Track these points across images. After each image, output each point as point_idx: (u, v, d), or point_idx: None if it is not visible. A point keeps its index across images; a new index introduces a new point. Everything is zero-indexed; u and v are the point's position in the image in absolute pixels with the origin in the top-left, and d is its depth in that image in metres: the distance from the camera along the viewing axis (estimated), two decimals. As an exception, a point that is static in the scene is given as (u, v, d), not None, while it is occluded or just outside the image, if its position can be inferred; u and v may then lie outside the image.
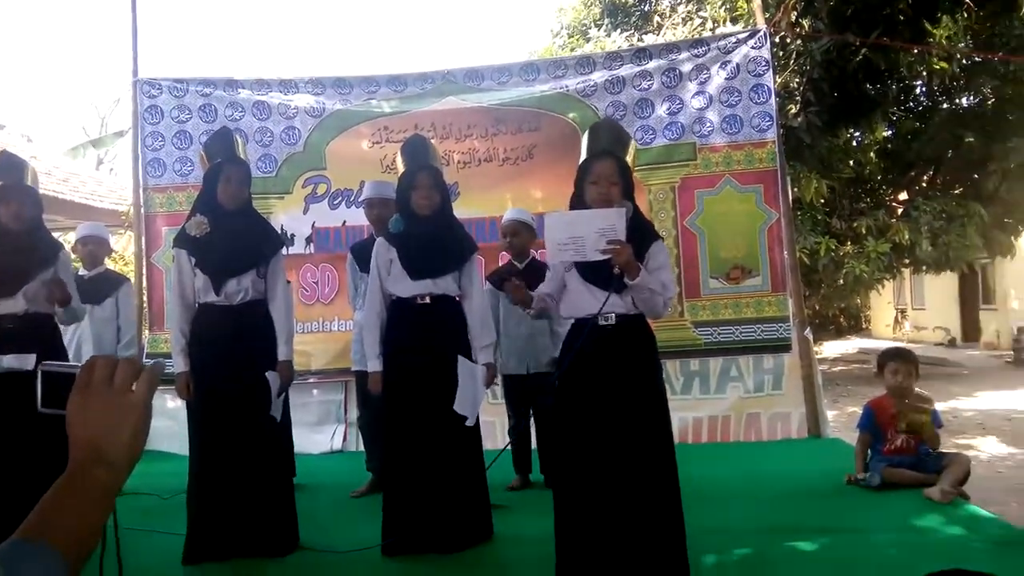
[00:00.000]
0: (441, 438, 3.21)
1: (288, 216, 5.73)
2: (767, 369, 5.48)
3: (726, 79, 5.54)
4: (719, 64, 5.57)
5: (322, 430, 5.70)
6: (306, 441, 5.33)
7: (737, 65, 5.54)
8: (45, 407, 0.90)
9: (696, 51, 5.65)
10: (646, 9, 12.92)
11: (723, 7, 10.84)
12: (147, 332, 5.81)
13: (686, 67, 5.60)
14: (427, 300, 3.30)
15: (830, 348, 18.62)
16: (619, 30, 12.71)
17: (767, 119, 5.51)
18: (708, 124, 5.55)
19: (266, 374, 3.27)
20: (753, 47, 5.55)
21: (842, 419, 8.03)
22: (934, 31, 8.72)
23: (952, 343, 18.41)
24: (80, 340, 4.70)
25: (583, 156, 2.85)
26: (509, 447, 4.20)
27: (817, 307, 12.77)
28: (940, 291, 18.95)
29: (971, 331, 18.60)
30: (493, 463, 3.20)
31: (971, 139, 10.73)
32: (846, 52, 9.12)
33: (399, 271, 3.32)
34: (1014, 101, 10.26)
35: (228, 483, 3.20)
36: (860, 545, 3.12)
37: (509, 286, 2.81)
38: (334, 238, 5.75)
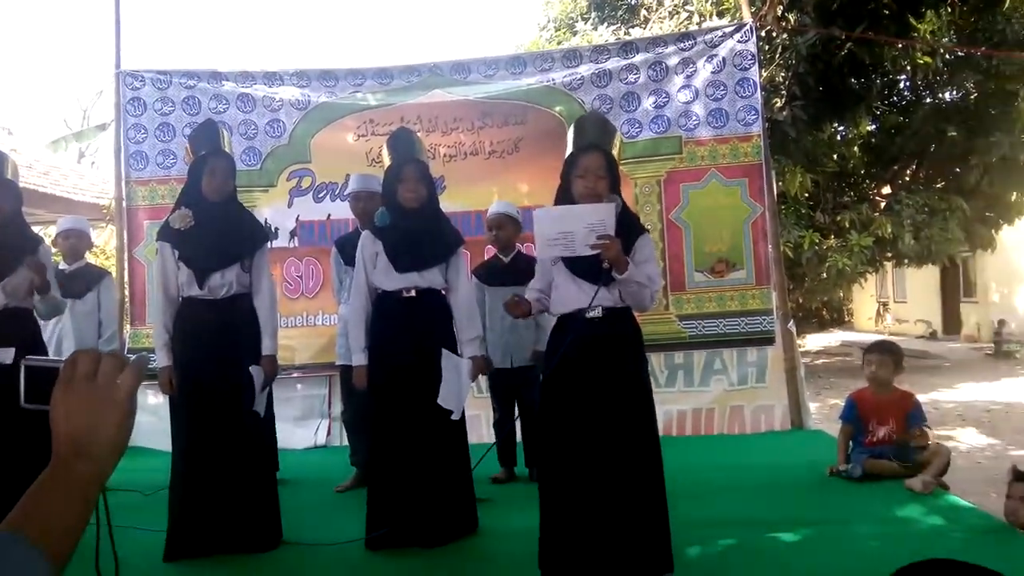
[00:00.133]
0: (426, 432, 3.21)
1: (272, 209, 5.69)
2: (751, 362, 5.51)
3: (712, 73, 5.56)
4: (705, 58, 5.58)
5: (306, 425, 5.68)
6: (290, 436, 5.31)
7: (723, 59, 5.56)
8: (28, 403, 0.89)
9: (682, 45, 5.66)
10: (632, 3, 12.91)
11: (709, 1, 10.86)
12: (129, 327, 5.76)
13: (672, 61, 5.61)
14: (413, 293, 3.29)
15: (813, 341, 18.77)
16: (606, 23, 12.72)
17: (752, 113, 5.53)
18: (694, 118, 5.57)
19: (250, 369, 3.25)
20: (739, 41, 5.57)
21: (824, 411, 8.10)
22: (918, 26, 8.80)
23: (933, 336, 18.59)
24: (61, 335, 4.67)
25: (569, 149, 2.84)
26: (495, 444, 4.22)
27: (800, 300, 12.87)
28: (922, 284, 19.13)
29: (952, 324, 18.79)
30: (480, 461, 3.20)
31: (954, 133, 10.83)
32: (831, 46, 9.18)
33: (385, 264, 3.30)
34: (996, 96, 10.36)
35: (211, 478, 3.18)
36: (842, 536, 3.15)
37: (510, 305, 2.80)
38: (319, 231, 5.72)
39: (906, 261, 11.88)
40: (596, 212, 2.64)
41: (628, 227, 2.76)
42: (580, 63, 5.71)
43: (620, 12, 12.92)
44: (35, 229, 3.83)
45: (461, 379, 3.27)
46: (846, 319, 24.37)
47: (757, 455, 4.81)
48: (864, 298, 22.33)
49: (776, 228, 5.66)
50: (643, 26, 12.09)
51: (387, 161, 3.41)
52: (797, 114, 9.49)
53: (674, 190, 5.58)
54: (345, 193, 5.09)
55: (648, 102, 5.60)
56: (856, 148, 11.82)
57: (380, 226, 3.35)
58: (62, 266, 4.75)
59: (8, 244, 3.40)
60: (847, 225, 10.56)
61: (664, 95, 5.60)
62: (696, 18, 10.94)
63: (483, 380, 4.58)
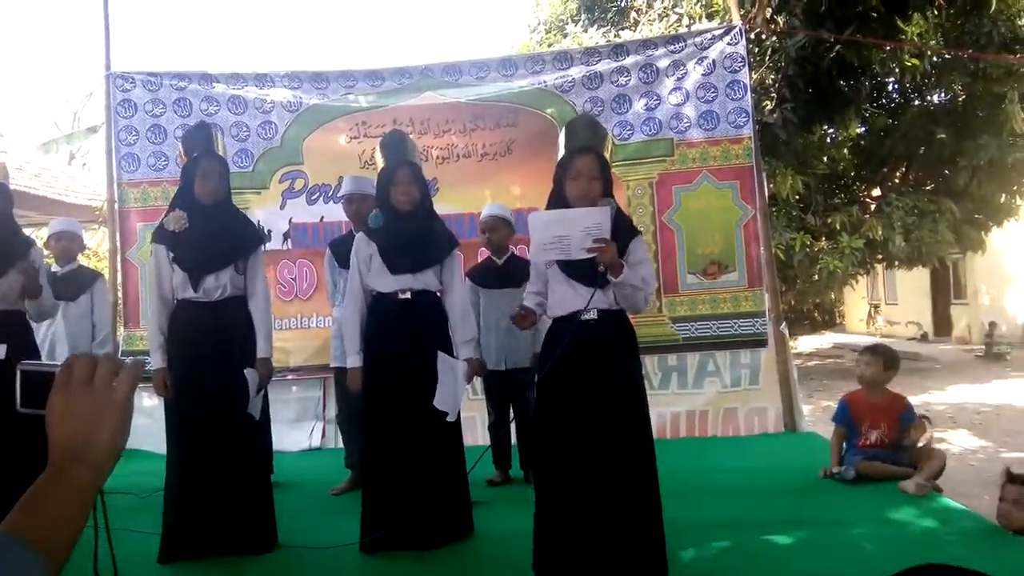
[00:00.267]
0: (422, 434, 3.20)
1: (265, 211, 5.68)
2: (744, 364, 5.52)
3: (703, 75, 5.58)
4: (695, 60, 5.60)
5: (301, 427, 5.67)
6: (285, 438, 5.30)
7: (713, 61, 5.58)
8: (24, 407, 0.89)
9: (673, 47, 5.68)
10: (622, 5, 12.95)
11: (699, 3, 10.91)
12: (122, 329, 5.74)
13: (663, 63, 5.63)
14: (408, 295, 3.29)
15: (805, 343, 18.85)
16: (596, 26, 12.76)
17: (743, 115, 5.55)
18: (685, 120, 5.58)
19: (245, 372, 3.24)
20: (729, 43, 5.59)
21: (817, 413, 8.12)
22: (906, 28, 8.84)
23: (924, 338, 18.68)
24: (54, 338, 4.64)
25: (561, 152, 2.85)
26: (490, 447, 4.22)
27: (792, 302, 12.93)
28: (912, 286, 19.23)
29: (943, 326, 18.89)
30: (475, 465, 3.20)
31: (942, 136, 10.89)
32: (820, 49, 9.22)
33: (379, 266, 3.30)
34: (984, 98, 10.42)
35: (206, 481, 3.17)
36: (836, 538, 3.16)
37: (518, 318, 2.79)
38: (312, 234, 5.71)
39: (896, 263, 11.94)
40: (592, 215, 2.65)
41: (622, 230, 2.76)
42: (571, 65, 5.72)
43: (610, 14, 12.96)
44: (27, 231, 3.80)
45: (457, 381, 3.26)
46: (838, 321, 24.48)
47: (751, 457, 4.82)
48: (855, 300, 22.44)
49: (768, 230, 5.68)
50: (633, 29, 12.13)
51: (380, 163, 3.41)
52: (787, 116, 9.52)
53: (666, 192, 5.59)
54: (338, 195, 5.08)
55: (639, 104, 5.61)
56: (846, 150, 11.87)
57: (374, 228, 3.36)
58: (54, 268, 4.72)
59: (-1, 247, 3.38)
60: (838, 227, 10.61)
61: (655, 97, 5.62)
62: (685, 20, 10.98)
63: (478, 382, 4.58)
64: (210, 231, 3.25)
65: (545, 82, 5.70)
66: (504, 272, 4.35)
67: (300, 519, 3.67)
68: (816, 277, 10.54)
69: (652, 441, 2.77)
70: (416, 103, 5.76)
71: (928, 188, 11.74)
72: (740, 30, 5.64)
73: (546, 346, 2.82)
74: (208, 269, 3.23)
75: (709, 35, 5.72)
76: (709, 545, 3.13)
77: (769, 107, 9.52)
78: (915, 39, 8.95)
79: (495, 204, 4.69)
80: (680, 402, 5.52)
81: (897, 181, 12.35)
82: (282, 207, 5.74)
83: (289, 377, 5.58)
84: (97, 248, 9.98)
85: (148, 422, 4.82)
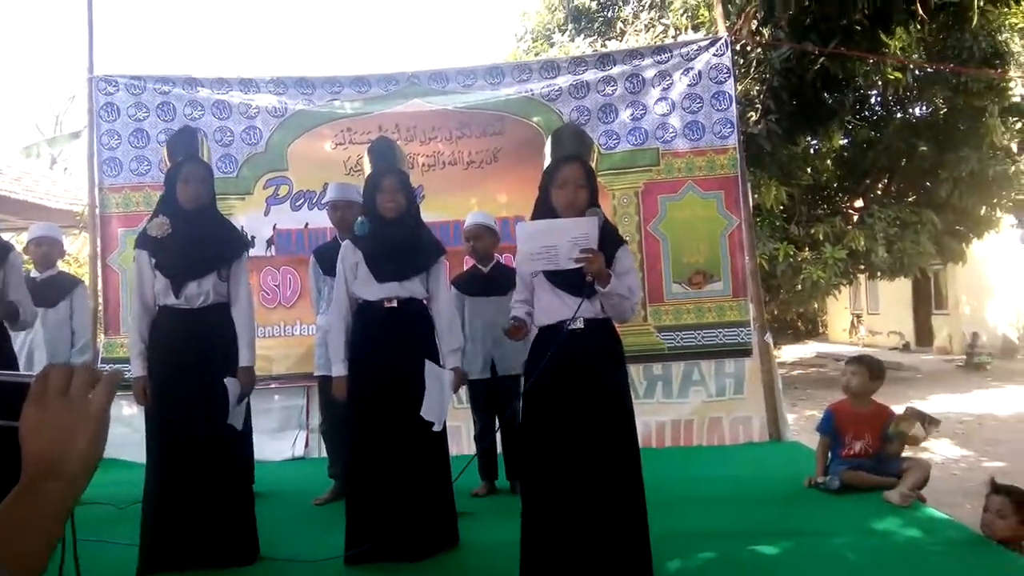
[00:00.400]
0: (407, 444, 3.17)
1: (248, 217, 5.63)
2: (729, 373, 5.53)
3: (688, 86, 5.60)
4: (681, 71, 5.62)
5: (283, 436, 5.61)
6: (267, 448, 5.24)
7: (699, 72, 5.60)
8: (-3, 419, 0.86)
9: (659, 58, 5.70)
10: (609, 16, 13.02)
11: (684, 15, 10.98)
12: (102, 336, 5.66)
13: (649, 73, 5.64)
14: (394, 303, 3.26)
15: (788, 352, 18.95)
16: (582, 35, 12.82)
17: (728, 126, 5.57)
18: (671, 130, 5.60)
19: (225, 380, 3.20)
20: (715, 54, 5.62)
21: (801, 422, 8.15)
22: (889, 42, 8.93)
23: (906, 347, 18.84)
24: (32, 345, 4.56)
25: (547, 160, 2.85)
26: (476, 456, 4.19)
27: (776, 312, 12.99)
28: (894, 297, 19.40)
29: (924, 336, 19.06)
30: (460, 474, 3.17)
31: (924, 148, 11.02)
32: (805, 61, 9.30)
33: (365, 274, 3.27)
34: (965, 112, 10.56)
35: (185, 491, 3.12)
36: (821, 548, 3.16)
37: (511, 331, 2.77)
38: (296, 240, 5.67)
39: (879, 274, 12.04)
40: (579, 226, 2.64)
41: (609, 239, 2.76)
42: (558, 74, 5.73)
43: (597, 24, 13.03)
44: (6, 236, 3.74)
45: (444, 391, 3.24)
46: (820, 331, 24.64)
47: (736, 467, 4.81)
48: (838, 310, 22.60)
49: (752, 240, 5.70)
50: (619, 39, 12.19)
51: (367, 170, 3.39)
52: (772, 128, 9.59)
53: (652, 202, 5.60)
54: (323, 202, 5.05)
55: (625, 114, 5.63)
56: (829, 162, 11.98)
57: (360, 235, 3.33)
58: (33, 274, 4.65)
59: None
60: (821, 238, 10.69)
61: (641, 107, 5.63)
62: (672, 32, 11.05)
63: (464, 391, 4.55)
64: (193, 237, 3.21)
65: (532, 91, 5.70)
66: (490, 280, 4.33)
67: (283, 530, 3.62)
68: (799, 287, 10.61)
69: (638, 451, 2.76)
70: (402, 110, 5.74)
71: (910, 200, 11.86)
72: (726, 41, 5.67)
73: (532, 355, 2.80)
74: (191, 276, 3.19)
75: (695, 46, 5.75)
76: (695, 555, 3.12)
77: (754, 118, 9.59)
78: (898, 53, 9.05)
79: (479, 212, 4.68)
80: (665, 411, 5.51)
81: (879, 193, 12.48)
82: (266, 213, 5.70)
83: (272, 385, 5.52)
84: (77, 254, 9.87)
85: (127, 431, 4.76)
